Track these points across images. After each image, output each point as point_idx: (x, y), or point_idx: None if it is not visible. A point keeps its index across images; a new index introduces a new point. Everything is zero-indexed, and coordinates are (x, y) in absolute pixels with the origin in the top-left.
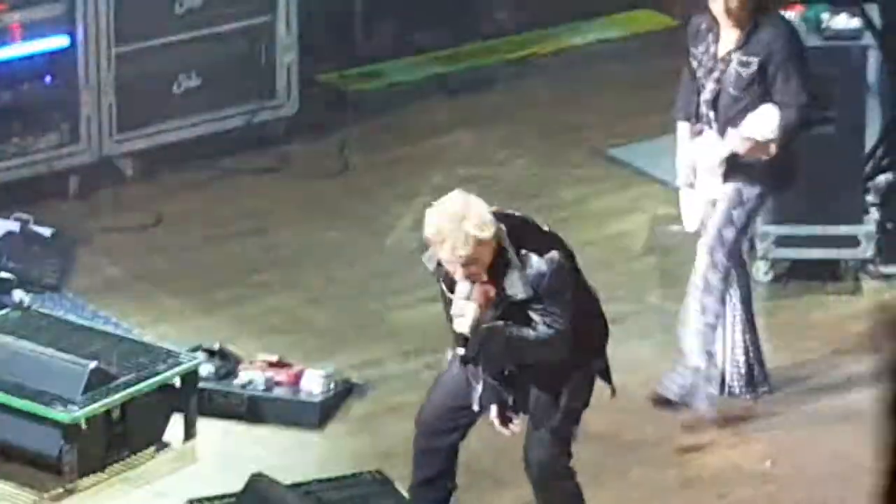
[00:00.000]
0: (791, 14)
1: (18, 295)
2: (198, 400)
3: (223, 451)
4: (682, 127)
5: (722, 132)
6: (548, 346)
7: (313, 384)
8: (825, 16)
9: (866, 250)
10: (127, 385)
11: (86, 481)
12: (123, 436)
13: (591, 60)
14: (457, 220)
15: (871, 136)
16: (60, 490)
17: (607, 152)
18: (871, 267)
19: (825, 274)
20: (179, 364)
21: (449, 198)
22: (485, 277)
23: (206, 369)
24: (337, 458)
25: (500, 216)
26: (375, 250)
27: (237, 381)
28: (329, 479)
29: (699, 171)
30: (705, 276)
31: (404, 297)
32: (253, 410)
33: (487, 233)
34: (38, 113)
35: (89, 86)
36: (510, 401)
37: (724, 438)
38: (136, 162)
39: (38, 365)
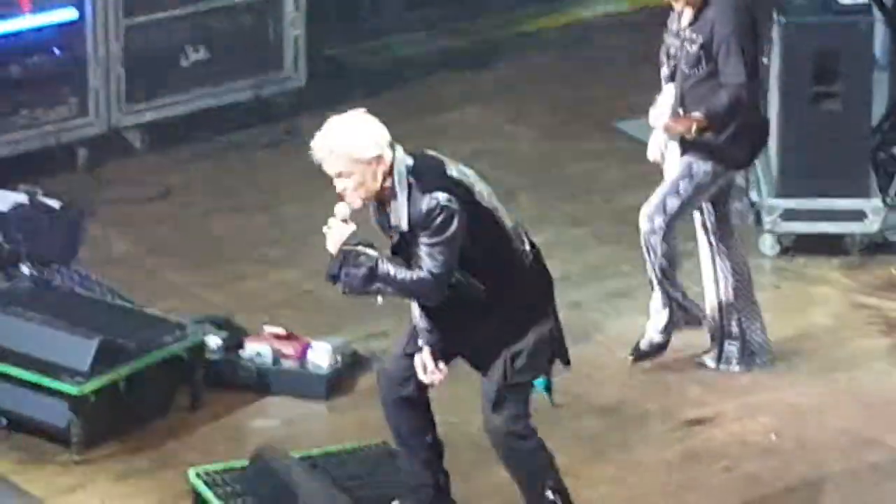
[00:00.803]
0: None
1: (26, 267)
2: (205, 372)
3: (230, 423)
4: (668, 89)
5: (680, 105)
6: (416, 287)
7: (320, 357)
8: None
9: (872, 224)
10: (134, 357)
11: (94, 453)
12: (131, 407)
13: (597, 33)
14: (338, 136)
15: (878, 110)
16: (68, 461)
17: (615, 125)
18: (876, 241)
19: (831, 248)
20: (186, 336)
21: (342, 116)
22: (358, 202)
23: (214, 341)
24: (343, 430)
25: (414, 154)
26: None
27: (244, 354)
28: (336, 451)
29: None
30: (647, 240)
31: None
32: (260, 382)
33: (364, 153)
34: (47, 85)
35: (98, 58)
36: (439, 346)
37: (728, 412)
38: (144, 134)
39: (46, 337)
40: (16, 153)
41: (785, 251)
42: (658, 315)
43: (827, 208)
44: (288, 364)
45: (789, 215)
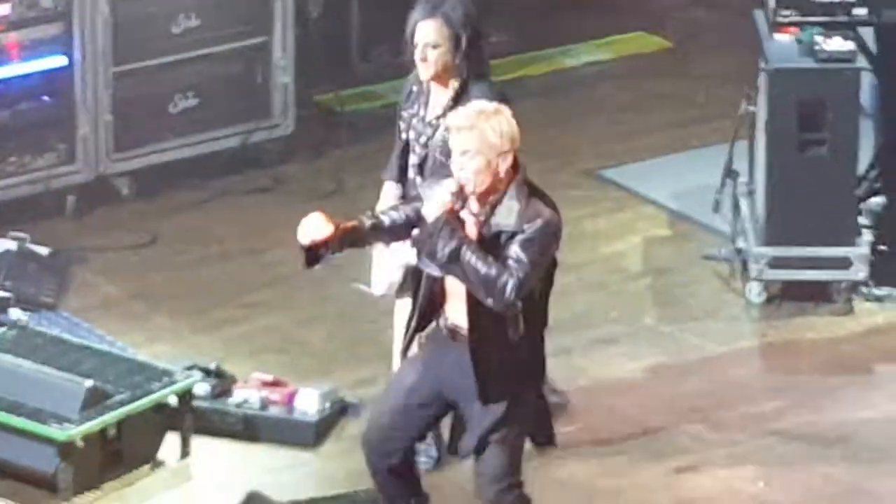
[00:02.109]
0: (785, 36)
1: (15, 313)
2: (193, 418)
3: (218, 469)
4: (388, 186)
5: None
6: (492, 284)
7: (308, 403)
8: (819, 38)
9: (858, 272)
10: (123, 403)
11: (81, 499)
12: (119, 454)
13: (582, 82)
14: (484, 116)
15: (865, 158)
16: None
17: (600, 174)
18: (863, 289)
19: (818, 295)
20: (175, 383)
21: (490, 103)
22: (470, 186)
23: (202, 388)
24: (331, 477)
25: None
26: (369, 270)
27: (232, 400)
28: (324, 499)
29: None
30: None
31: None
32: (248, 429)
33: (500, 141)
34: (36, 132)
35: (86, 105)
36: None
37: (716, 459)
38: (132, 181)
39: (34, 383)
40: (4, 200)
41: (771, 299)
42: None
43: (813, 256)
44: (276, 411)
45: (776, 263)
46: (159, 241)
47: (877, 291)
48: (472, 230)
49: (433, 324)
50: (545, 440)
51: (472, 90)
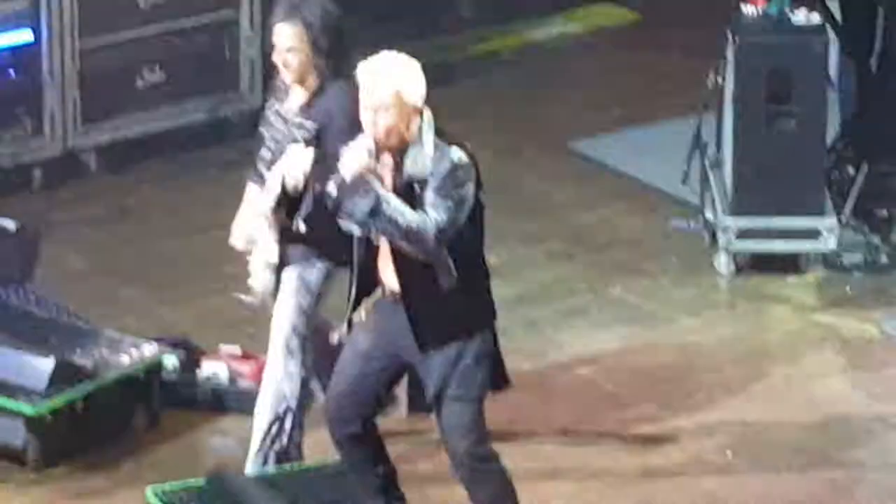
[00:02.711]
0: (753, 8)
1: None
2: (161, 392)
3: (186, 442)
4: (251, 187)
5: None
6: (417, 232)
7: None
8: (786, 11)
9: (827, 243)
10: (91, 377)
11: (51, 472)
12: (88, 427)
13: (552, 55)
14: (398, 71)
15: (833, 130)
16: (25, 481)
17: (569, 146)
18: (831, 260)
19: (786, 266)
20: (143, 356)
21: (399, 55)
22: (382, 139)
23: (170, 361)
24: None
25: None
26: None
27: (201, 373)
28: (292, 471)
29: (258, 236)
30: (284, 367)
31: None
32: (216, 402)
33: (414, 98)
34: (3, 106)
35: (53, 79)
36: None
37: (684, 429)
38: (99, 155)
39: (2, 357)
40: None
41: (740, 270)
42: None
43: (782, 227)
44: (244, 383)
45: (744, 234)
46: (127, 215)
47: (845, 262)
48: (386, 183)
49: (377, 291)
50: (501, 383)
51: (329, 90)
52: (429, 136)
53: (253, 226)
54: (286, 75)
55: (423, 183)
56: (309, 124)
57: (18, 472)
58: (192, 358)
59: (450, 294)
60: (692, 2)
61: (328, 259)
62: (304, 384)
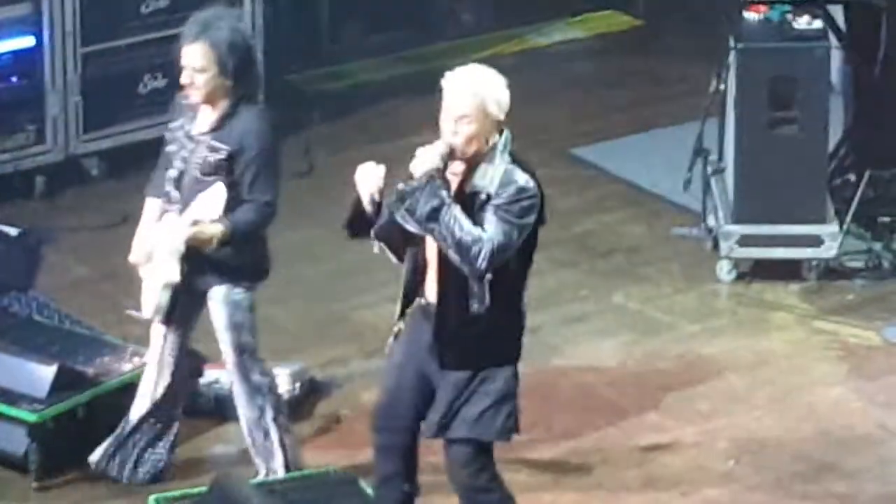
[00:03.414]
0: (755, 14)
1: None
2: None
3: (189, 448)
4: (151, 203)
5: (182, 212)
6: (469, 246)
7: (278, 383)
8: (788, 16)
9: (829, 250)
10: (93, 384)
11: (53, 480)
12: (90, 435)
13: (554, 61)
14: (485, 82)
15: (834, 136)
16: (27, 488)
17: (572, 152)
18: (833, 267)
19: (788, 273)
20: (145, 363)
21: (487, 68)
22: (459, 149)
23: None
24: (302, 455)
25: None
26: (340, 250)
27: (203, 380)
28: (294, 478)
29: (157, 254)
30: (244, 386)
31: (368, 297)
32: (218, 409)
33: (497, 110)
34: (5, 113)
35: (55, 86)
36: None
37: (686, 437)
38: (102, 162)
39: (4, 364)
40: None
41: (742, 276)
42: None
43: (784, 234)
44: None
45: (746, 241)
46: (129, 222)
47: (847, 269)
48: (452, 191)
49: (416, 301)
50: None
51: (242, 113)
52: (504, 155)
53: (153, 242)
54: (194, 95)
55: (486, 200)
56: (222, 147)
57: (20, 479)
58: (194, 365)
59: (480, 320)
60: (694, 8)
61: (246, 278)
62: (272, 388)
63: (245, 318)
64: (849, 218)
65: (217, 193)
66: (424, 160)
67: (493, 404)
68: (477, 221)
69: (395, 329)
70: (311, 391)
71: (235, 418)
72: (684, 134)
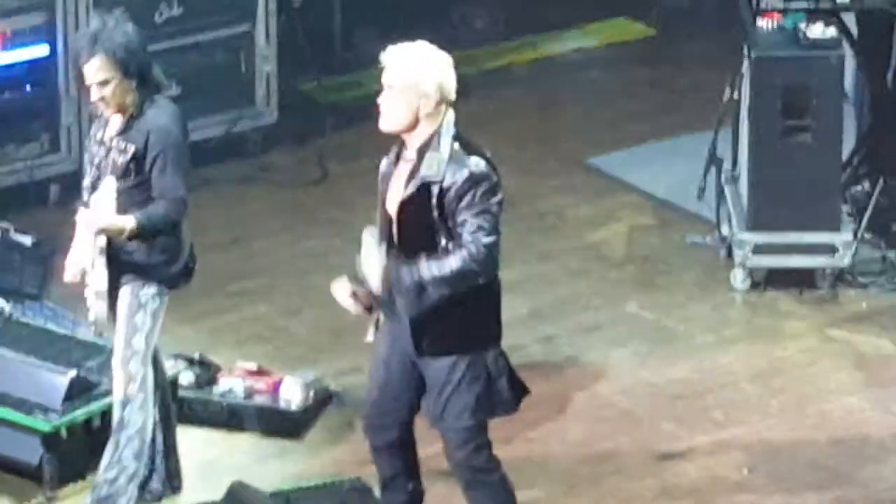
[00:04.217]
0: (769, 22)
1: (2, 302)
2: (178, 408)
3: (203, 459)
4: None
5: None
6: (470, 271)
7: (292, 392)
8: (802, 25)
9: (843, 258)
10: (107, 393)
11: (66, 489)
12: (104, 444)
13: (568, 69)
14: (421, 58)
15: (848, 144)
16: (41, 499)
17: (585, 161)
18: (847, 275)
19: (802, 282)
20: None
21: (435, 48)
22: (390, 126)
23: (186, 378)
24: (316, 465)
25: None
26: (353, 259)
27: (216, 390)
28: (308, 487)
29: (87, 262)
30: (125, 391)
31: None
32: (232, 419)
33: (430, 89)
34: (19, 122)
35: (69, 95)
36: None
37: (700, 446)
38: None
39: (18, 373)
40: None
41: (756, 285)
42: None
43: (798, 242)
44: (260, 400)
45: (760, 249)
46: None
47: (861, 278)
48: (402, 182)
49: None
50: (520, 392)
51: (148, 112)
52: (446, 140)
53: (84, 255)
54: (107, 110)
55: (441, 191)
56: (127, 147)
57: (34, 489)
58: (208, 374)
59: (452, 306)
60: (708, 16)
61: (159, 278)
62: (158, 402)
63: (145, 321)
64: (863, 226)
65: (107, 188)
66: (373, 268)
67: (486, 386)
68: (441, 213)
69: (375, 318)
70: (326, 400)
71: (249, 428)
72: (698, 143)
